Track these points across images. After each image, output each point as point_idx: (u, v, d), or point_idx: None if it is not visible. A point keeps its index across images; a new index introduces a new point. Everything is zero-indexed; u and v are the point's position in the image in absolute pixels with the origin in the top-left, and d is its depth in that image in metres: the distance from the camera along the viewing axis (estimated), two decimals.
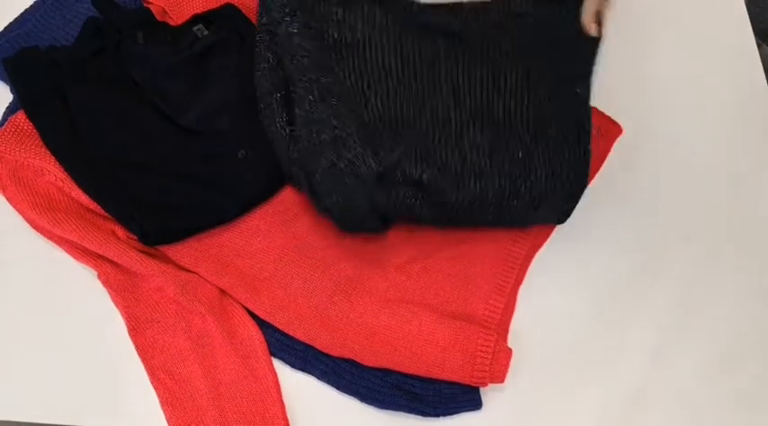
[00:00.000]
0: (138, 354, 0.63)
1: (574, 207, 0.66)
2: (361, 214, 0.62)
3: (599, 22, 0.65)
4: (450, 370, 0.62)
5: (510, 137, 0.63)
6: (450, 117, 0.64)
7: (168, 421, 0.61)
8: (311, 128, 0.62)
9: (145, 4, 0.72)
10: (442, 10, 0.66)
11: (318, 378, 0.63)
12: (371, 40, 0.64)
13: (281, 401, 0.62)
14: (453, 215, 0.64)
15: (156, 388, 0.62)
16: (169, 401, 0.61)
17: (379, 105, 0.63)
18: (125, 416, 0.61)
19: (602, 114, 0.75)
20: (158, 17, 0.71)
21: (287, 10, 0.65)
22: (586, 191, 0.72)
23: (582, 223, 0.70)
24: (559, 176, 0.63)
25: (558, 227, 0.70)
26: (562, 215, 0.67)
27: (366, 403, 0.62)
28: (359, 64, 0.64)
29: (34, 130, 0.65)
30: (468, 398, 0.62)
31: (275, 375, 0.63)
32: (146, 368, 0.62)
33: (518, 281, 0.68)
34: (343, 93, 0.63)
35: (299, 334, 0.64)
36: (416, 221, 0.66)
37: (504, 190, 0.62)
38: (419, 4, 0.67)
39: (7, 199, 0.65)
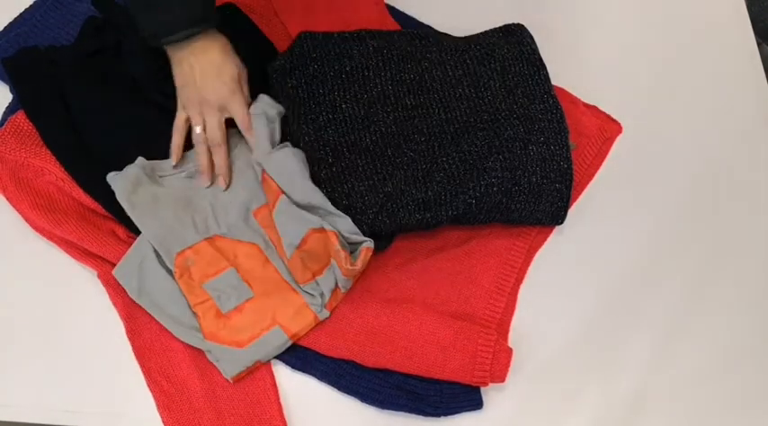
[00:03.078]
0: (136, 356, 0.62)
1: (569, 198, 0.66)
2: None
3: None
4: (451, 370, 0.61)
5: (503, 131, 0.65)
6: (445, 130, 0.66)
7: (165, 424, 0.60)
8: (311, 166, 0.63)
9: None
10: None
11: (319, 379, 0.63)
12: (368, 65, 0.67)
13: (279, 402, 0.61)
14: (461, 218, 0.65)
15: (152, 392, 0.61)
16: (166, 404, 0.60)
17: (379, 129, 0.65)
18: (124, 417, 0.61)
19: (602, 113, 0.75)
20: None
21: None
22: (586, 191, 0.72)
23: (582, 223, 0.70)
24: (551, 164, 0.65)
25: (558, 227, 0.70)
26: (560, 213, 0.67)
27: (367, 403, 0.62)
28: (358, 90, 0.66)
29: (34, 130, 0.65)
30: (469, 398, 0.62)
31: (272, 376, 0.62)
32: (142, 370, 0.62)
33: (518, 281, 0.68)
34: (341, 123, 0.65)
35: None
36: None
37: (506, 182, 0.63)
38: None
39: (7, 199, 0.65)
